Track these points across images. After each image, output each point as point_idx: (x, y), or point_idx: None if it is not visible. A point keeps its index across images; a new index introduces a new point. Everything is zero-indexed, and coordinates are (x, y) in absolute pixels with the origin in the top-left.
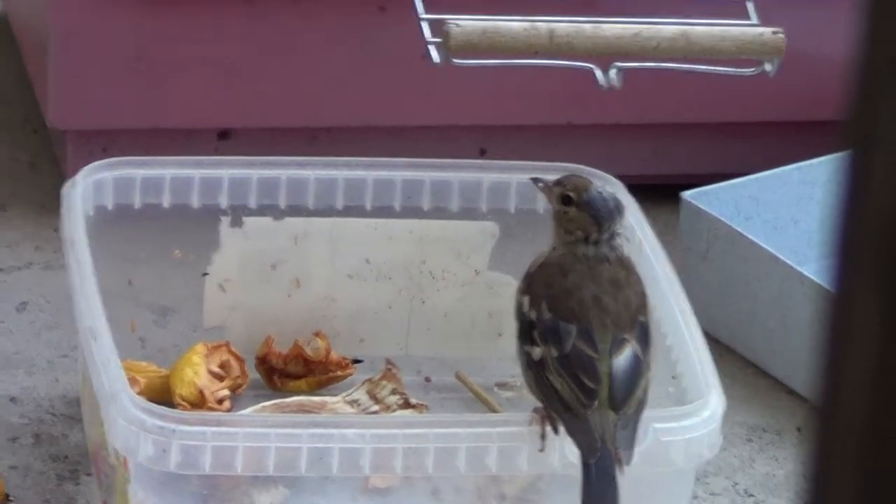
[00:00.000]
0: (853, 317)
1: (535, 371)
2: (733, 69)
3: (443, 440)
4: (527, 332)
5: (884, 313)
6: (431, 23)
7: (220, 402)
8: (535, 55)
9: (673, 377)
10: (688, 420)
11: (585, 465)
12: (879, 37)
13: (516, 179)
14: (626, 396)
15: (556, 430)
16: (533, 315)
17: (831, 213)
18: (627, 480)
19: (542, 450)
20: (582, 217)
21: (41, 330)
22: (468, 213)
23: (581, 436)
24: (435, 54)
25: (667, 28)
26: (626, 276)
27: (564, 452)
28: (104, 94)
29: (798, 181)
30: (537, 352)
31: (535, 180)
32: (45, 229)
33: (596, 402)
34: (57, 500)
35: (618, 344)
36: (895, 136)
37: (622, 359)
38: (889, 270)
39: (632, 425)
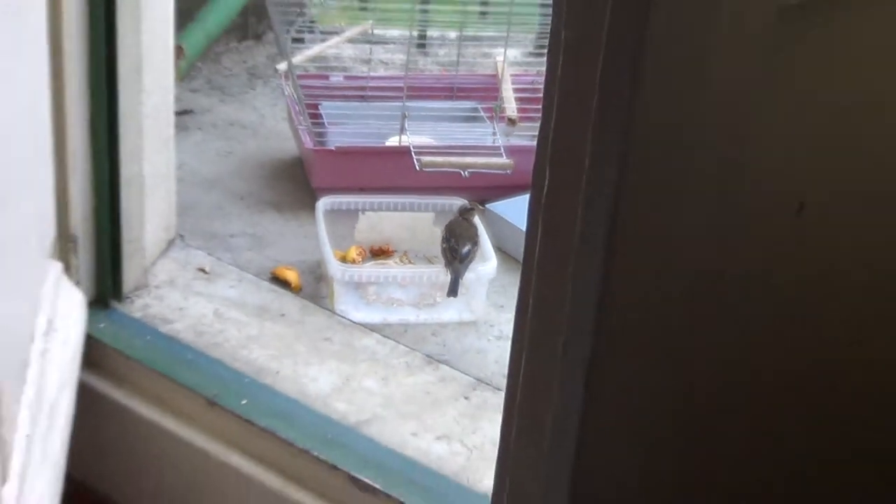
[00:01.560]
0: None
1: (442, 253)
2: (499, 171)
3: (423, 273)
4: (441, 239)
5: (543, 236)
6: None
7: (359, 263)
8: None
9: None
10: (486, 265)
11: (451, 281)
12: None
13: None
14: (465, 259)
15: (448, 270)
16: (443, 235)
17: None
18: (467, 285)
19: (447, 275)
20: (460, 209)
21: (308, 238)
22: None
23: (452, 270)
24: (416, 164)
25: (482, 159)
26: (471, 226)
27: (448, 276)
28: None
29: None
30: (443, 247)
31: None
32: (309, 218)
33: (456, 261)
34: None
35: (465, 245)
36: (551, 182)
37: (465, 250)
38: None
39: (465, 268)
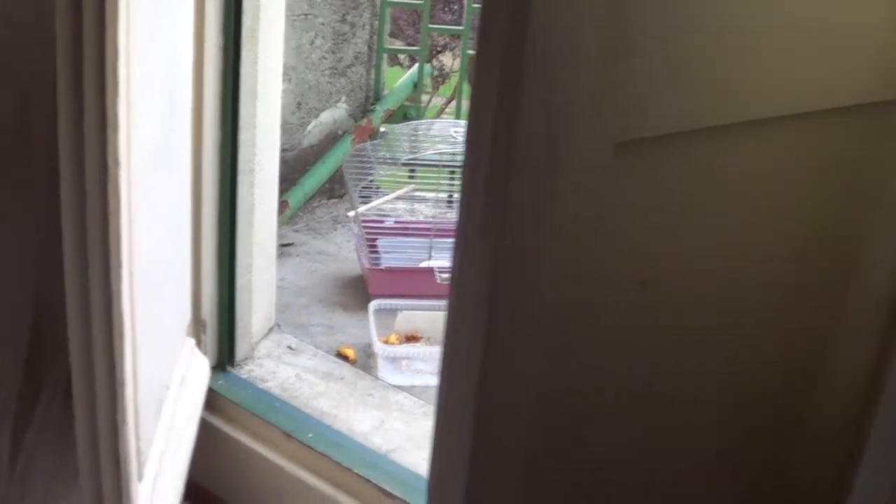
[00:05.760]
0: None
1: None
2: None
3: (439, 351)
4: None
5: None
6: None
7: (397, 345)
8: None
9: None
10: None
11: None
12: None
13: None
14: None
15: None
16: None
17: None
18: None
19: None
20: None
21: (364, 328)
22: None
23: None
24: (438, 278)
25: None
26: None
27: None
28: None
29: None
30: None
31: None
32: (366, 314)
33: None
34: (365, 360)
35: None
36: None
37: None
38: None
39: None
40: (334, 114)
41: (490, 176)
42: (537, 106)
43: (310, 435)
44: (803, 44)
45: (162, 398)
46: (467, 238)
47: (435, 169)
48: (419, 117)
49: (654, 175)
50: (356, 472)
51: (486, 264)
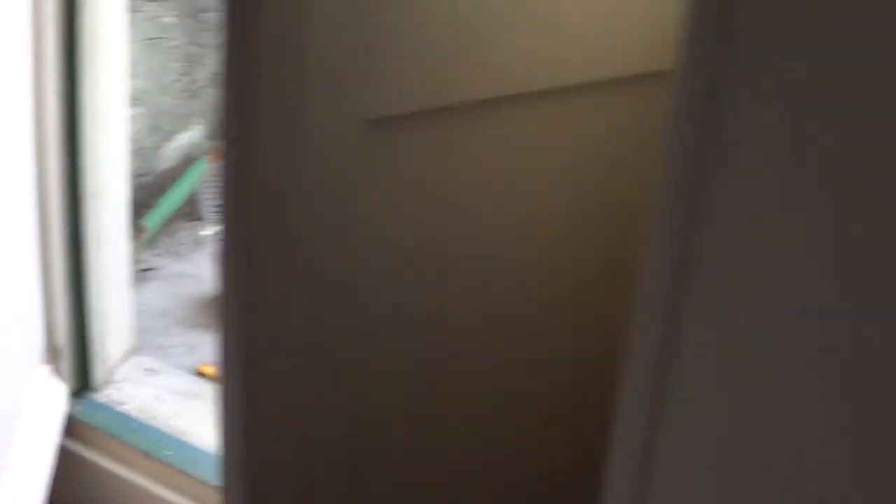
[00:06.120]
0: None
1: None
2: None
3: None
4: None
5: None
6: None
7: None
8: None
9: None
10: None
11: None
12: None
13: None
14: None
15: None
16: None
17: None
18: None
19: None
20: None
21: None
22: None
23: None
24: None
25: None
26: None
27: None
28: None
29: None
30: None
31: None
32: None
33: None
34: None
35: None
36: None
37: None
38: None
39: None
40: (190, 136)
41: (237, 163)
42: (273, 80)
43: (168, 453)
44: (566, 15)
45: (12, 427)
46: (226, 227)
47: None
48: None
49: (412, 153)
50: (214, 484)
51: (241, 256)
